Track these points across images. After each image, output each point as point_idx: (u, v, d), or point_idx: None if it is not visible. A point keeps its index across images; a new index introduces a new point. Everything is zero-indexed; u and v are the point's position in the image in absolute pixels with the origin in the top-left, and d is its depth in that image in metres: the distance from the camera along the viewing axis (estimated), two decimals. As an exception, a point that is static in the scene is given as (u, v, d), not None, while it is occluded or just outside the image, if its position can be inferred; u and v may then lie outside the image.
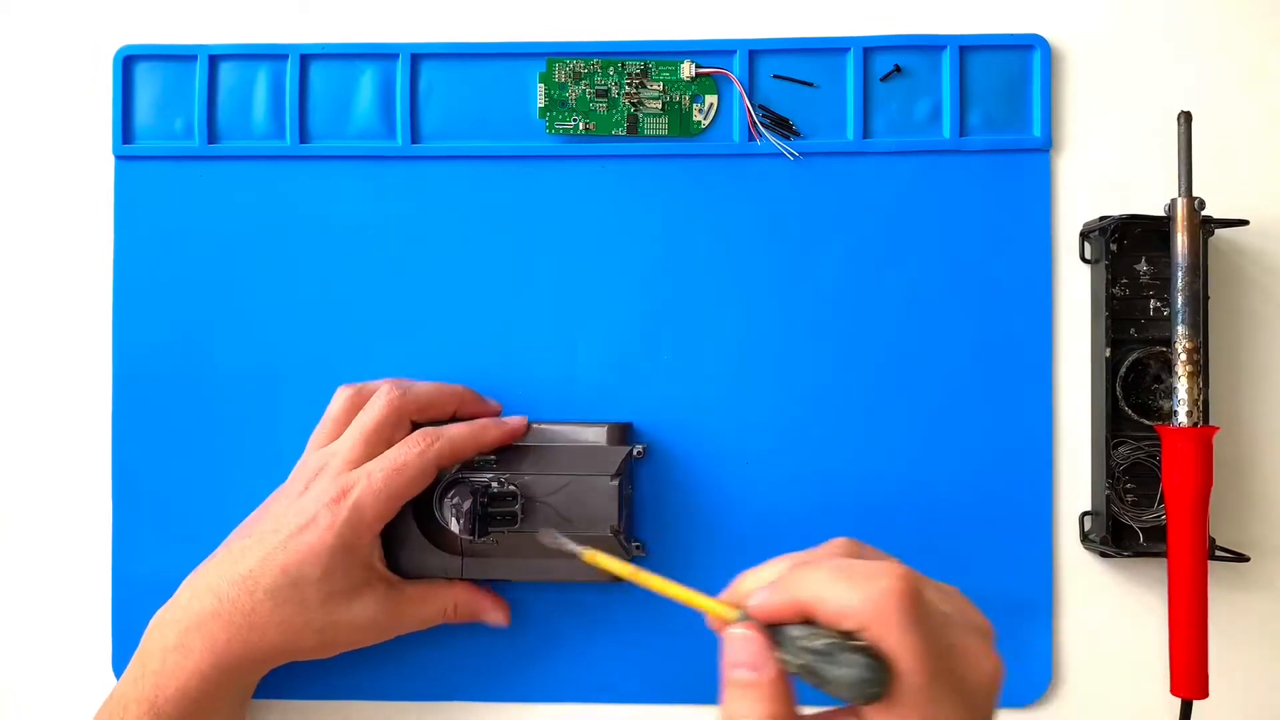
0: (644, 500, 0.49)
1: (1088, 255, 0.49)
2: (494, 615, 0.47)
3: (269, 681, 0.46)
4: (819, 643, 0.30)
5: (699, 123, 0.49)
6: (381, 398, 0.44)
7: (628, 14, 0.50)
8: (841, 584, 0.30)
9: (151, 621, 0.43)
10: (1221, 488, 0.48)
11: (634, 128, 0.49)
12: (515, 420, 0.46)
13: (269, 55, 0.50)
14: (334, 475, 0.43)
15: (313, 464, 0.44)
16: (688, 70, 0.49)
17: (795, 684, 0.31)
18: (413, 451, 0.43)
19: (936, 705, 0.29)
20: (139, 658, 0.42)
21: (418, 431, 0.44)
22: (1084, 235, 0.49)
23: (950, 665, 0.30)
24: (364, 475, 0.42)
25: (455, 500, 0.44)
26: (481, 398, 0.47)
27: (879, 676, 0.29)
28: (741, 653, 0.31)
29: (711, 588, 0.50)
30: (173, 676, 0.41)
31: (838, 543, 0.35)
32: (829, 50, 0.49)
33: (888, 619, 0.29)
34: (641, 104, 0.49)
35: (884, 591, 0.30)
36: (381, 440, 0.44)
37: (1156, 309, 0.48)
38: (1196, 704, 0.45)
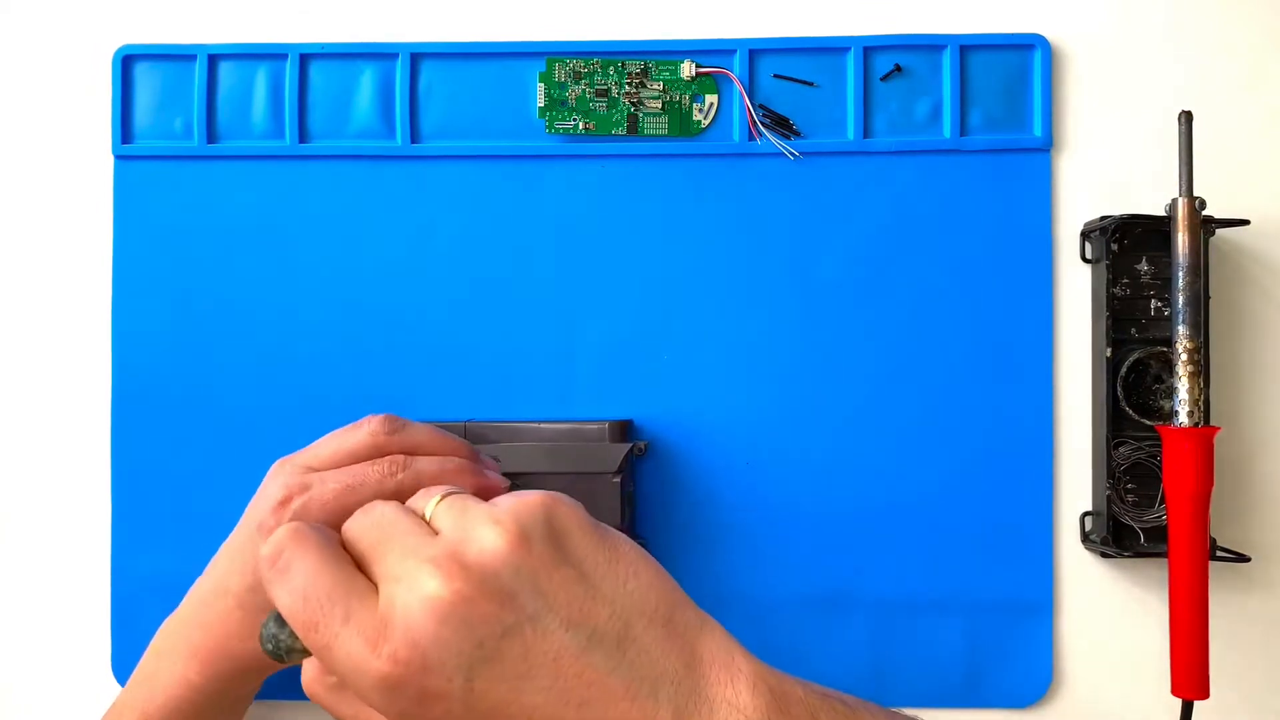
0: (646, 497, 0.49)
1: (1088, 255, 0.49)
2: None
3: (267, 682, 0.46)
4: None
5: (699, 122, 0.49)
6: (366, 427, 0.42)
7: (628, 14, 0.50)
8: None
9: (160, 628, 0.43)
10: (1222, 488, 0.47)
11: (634, 127, 0.49)
12: (497, 478, 0.42)
13: (268, 55, 0.50)
14: (287, 475, 0.41)
15: (279, 462, 0.43)
16: (688, 70, 0.49)
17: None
18: (373, 475, 0.40)
19: (331, 651, 0.28)
20: (140, 663, 0.43)
21: (389, 457, 0.41)
22: (1084, 235, 0.49)
23: (349, 606, 0.28)
24: (316, 481, 0.40)
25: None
26: (478, 457, 0.43)
27: (269, 633, 0.30)
28: None
29: (713, 583, 0.50)
30: (162, 683, 0.41)
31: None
32: (829, 50, 0.49)
33: (262, 581, 0.30)
34: (641, 104, 0.49)
35: (258, 557, 0.30)
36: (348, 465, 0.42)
37: (1157, 309, 0.48)
38: (1197, 705, 0.45)
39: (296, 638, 0.29)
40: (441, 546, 0.29)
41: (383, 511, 0.31)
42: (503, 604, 0.28)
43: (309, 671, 0.31)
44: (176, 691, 0.41)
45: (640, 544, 0.47)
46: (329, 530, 0.31)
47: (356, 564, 0.30)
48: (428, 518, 0.31)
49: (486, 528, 0.29)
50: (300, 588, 0.29)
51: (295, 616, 0.28)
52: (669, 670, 0.29)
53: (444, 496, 0.31)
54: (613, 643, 0.29)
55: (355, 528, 0.31)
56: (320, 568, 0.29)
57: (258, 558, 0.40)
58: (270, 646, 0.30)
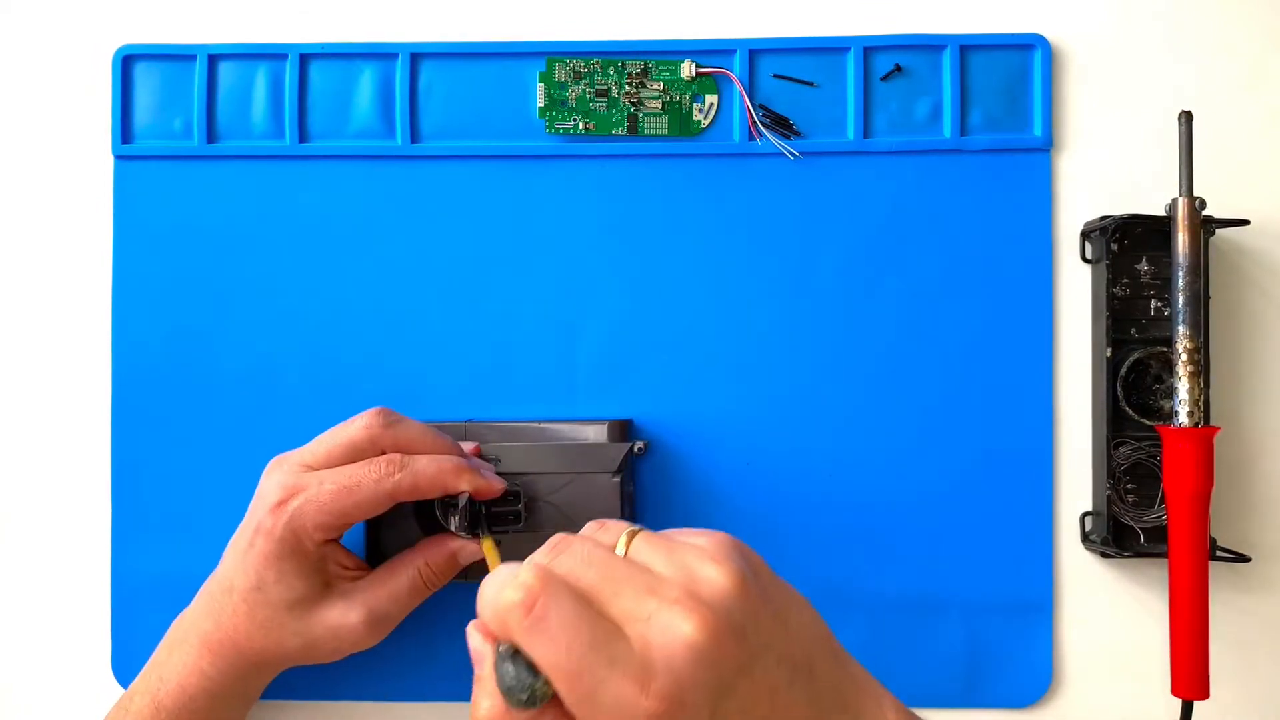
0: (646, 497, 0.49)
1: (1088, 255, 0.49)
2: (466, 550, 0.44)
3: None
4: (501, 649, 0.30)
5: (699, 122, 0.49)
6: (362, 421, 0.42)
7: (628, 14, 0.50)
8: (482, 593, 0.30)
9: (174, 620, 0.44)
10: (1222, 488, 0.47)
11: (634, 127, 0.49)
12: (494, 479, 0.43)
13: (268, 55, 0.50)
14: (283, 475, 0.42)
15: (275, 460, 0.43)
16: (688, 70, 0.49)
17: None
18: (370, 476, 0.41)
19: (595, 696, 0.28)
20: (154, 653, 0.43)
21: (384, 456, 0.41)
22: (1085, 235, 0.49)
23: (611, 651, 0.28)
24: (314, 482, 0.41)
25: (452, 499, 0.43)
26: (469, 457, 0.44)
27: (524, 683, 0.29)
28: (470, 647, 0.31)
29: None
30: (174, 671, 0.42)
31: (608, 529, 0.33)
32: (829, 50, 0.49)
33: (508, 629, 0.29)
34: (641, 104, 0.49)
35: (500, 604, 0.29)
36: (344, 461, 0.42)
37: (1157, 309, 0.48)
38: (1197, 705, 0.45)
39: (550, 684, 0.29)
40: (675, 588, 0.29)
41: (589, 550, 0.31)
42: (739, 642, 0.29)
43: (490, 712, 0.30)
44: (190, 680, 0.42)
45: None
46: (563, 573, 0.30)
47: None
48: (628, 555, 0.31)
49: (709, 566, 0.30)
50: (562, 638, 0.28)
51: (559, 666, 0.28)
52: (842, 697, 0.31)
53: (632, 534, 0.32)
54: (806, 674, 0.30)
55: (568, 567, 0.30)
56: (579, 615, 0.29)
57: (256, 557, 0.41)
58: (525, 696, 0.29)
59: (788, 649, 0.30)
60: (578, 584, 0.30)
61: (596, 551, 0.31)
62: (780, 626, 0.30)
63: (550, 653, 0.28)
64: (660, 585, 0.29)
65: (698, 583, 0.29)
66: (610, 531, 0.32)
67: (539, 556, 0.31)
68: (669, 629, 0.28)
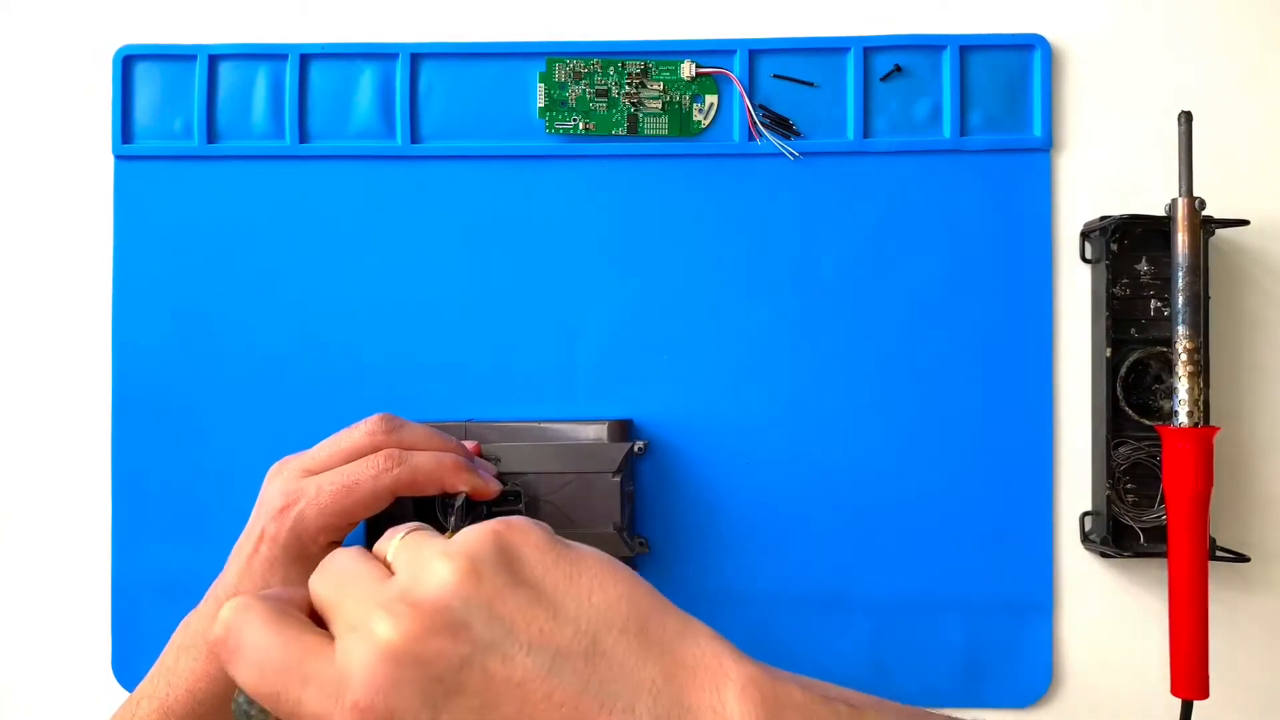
0: (646, 496, 0.49)
1: (1088, 255, 0.49)
2: None
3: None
4: None
5: (699, 123, 0.49)
6: (365, 427, 0.42)
7: (628, 14, 0.50)
8: None
9: (180, 623, 0.43)
10: (1222, 488, 0.48)
11: (634, 128, 0.49)
12: (491, 481, 0.43)
13: (269, 55, 0.50)
14: (285, 481, 0.42)
15: (277, 465, 0.43)
16: (688, 70, 0.49)
17: None
18: (368, 473, 0.41)
19: (301, 712, 0.28)
20: (160, 657, 0.43)
21: (383, 451, 0.41)
22: (1084, 235, 0.49)
23: (305, 669, 0.28)
24: (313, 486, 0.41)
25: (451, 500, 0.43)
26: (473, 458, 0.44)
27: (241, 709, 0.29)
28: None
29: (713, 583, 0.50)
30: (183, 677, 0.42)
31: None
32: (829, 50, 0.49)
33: (223, 665, 0.29)
34: (641, 104, 0.49)
35: (211, 639, 0.29)
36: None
37: (1157, 309, 0.48)
38: (1197, 704, 0.45)
39: (266, 711, 0.29)
40: (393, 589, 0.29)
41: (340, 561, 0.31)
42: (455, 637, 0.28)
43: None
44: (199, 685, 0.42)
45: (641, 544, 0.47)
46: (280, 594, 0.30)
47: (324, 618, 0.30)
48: (389, 558, 0.30)
49: (437, 562, 0.29)
50: (255, 661, 0.28)
51: (258, 690, 0.28)
52: (645, 681, 0.28)
53: (405, 535, 0.31)
54: (580, 660, 0.28)
55: (315, 582, 0.30)
56: (268, 638, 0.29)
57: (262, 563, 0.41)
58: None
59: (546, 635, 0.28)
60: (317, 599, 0.30)
61: (345, 563, 0.30)
62: (539, 611, 0.29)
63: (249, 680, 0.28)
64: (378, 590, 0.29)
65: (418, 582, 0.28)
66: (390, 536, 0.32)
67: (313, 579, 0.31)
68: (366, 636, 0.28)
